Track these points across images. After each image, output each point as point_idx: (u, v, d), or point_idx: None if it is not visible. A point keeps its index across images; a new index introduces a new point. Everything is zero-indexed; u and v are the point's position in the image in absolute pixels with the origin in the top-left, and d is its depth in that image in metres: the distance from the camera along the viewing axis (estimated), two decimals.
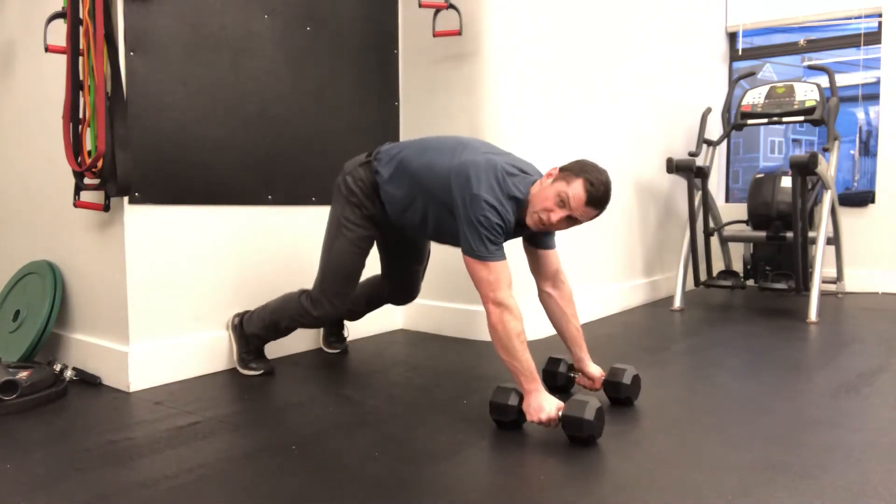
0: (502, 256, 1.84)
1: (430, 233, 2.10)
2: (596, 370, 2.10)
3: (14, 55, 2.62)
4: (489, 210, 1.79)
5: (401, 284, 2.49)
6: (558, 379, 2.16)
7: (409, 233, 2.17)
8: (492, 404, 1.83)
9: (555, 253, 2.10)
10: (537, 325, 2.80)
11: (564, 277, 2.12)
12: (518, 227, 1.92)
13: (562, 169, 1.86)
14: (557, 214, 1.81)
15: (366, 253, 2.23)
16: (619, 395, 2.02)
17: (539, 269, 2.10)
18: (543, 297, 2.12)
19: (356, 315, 2.65)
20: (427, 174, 1.97)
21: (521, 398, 1.81)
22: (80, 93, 2.12)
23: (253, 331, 2.38)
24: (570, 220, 1.84)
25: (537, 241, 2.07)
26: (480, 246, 1.80)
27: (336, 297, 2.22)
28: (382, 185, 2.09)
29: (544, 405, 1.75)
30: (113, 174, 2.08)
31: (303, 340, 2.73)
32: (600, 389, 2.08)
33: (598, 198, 1.81)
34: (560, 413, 1.73)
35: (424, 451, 1.69)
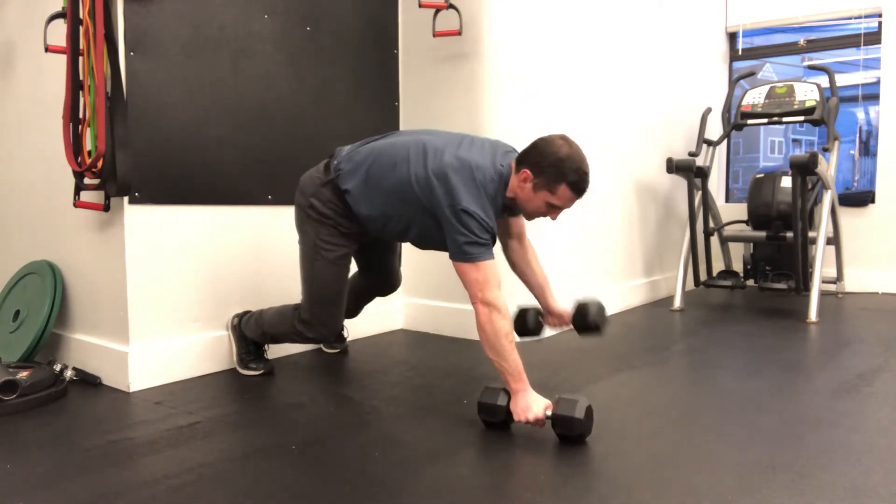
0: (490, 255, 1.85)
1: (413, 241, 2.11)
2: (563, 308, 2.17)
3: (14, 55, 2.62)
4: (477, 219, 1.82)
5: (380, 277, 2.49)
6: (529, 323, 2.20)
7: (393, 239, 2.18)
8: (480, 404, 1.83)
9: (521, 218, 2.14)
10: None
11: (528, 239, 2.19)
12: (500, 212, 1.98)
13: (534, 171, 1.84)
14: (553, 214, 1.94)
15: (348, 269, 2.20)
16: (588, 325, 2.07)
17: (507, 230, 2.16)
18: (507, 252, 2.19)
19: (352, 313, 2.65)
20: (404, 188, 1.93)
21: (510, 398, 1.81)
22: (80, 93, 2.12)
23: (251, 336, 2.37)
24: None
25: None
26: (470, 248, 1.82)
27: (328, 319, 2.19)
28: (355, 205, 2.04)
29: (532, 405, 1.76)
30: (113, 174, 2.08)
31: None
32: (569, 326, 2.14)
33: (582, 188, 1.88)
34: (548, 412, 1.74)
35: (424, 451, 1.69)
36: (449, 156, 1.88)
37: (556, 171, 1.82)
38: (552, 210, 1.91)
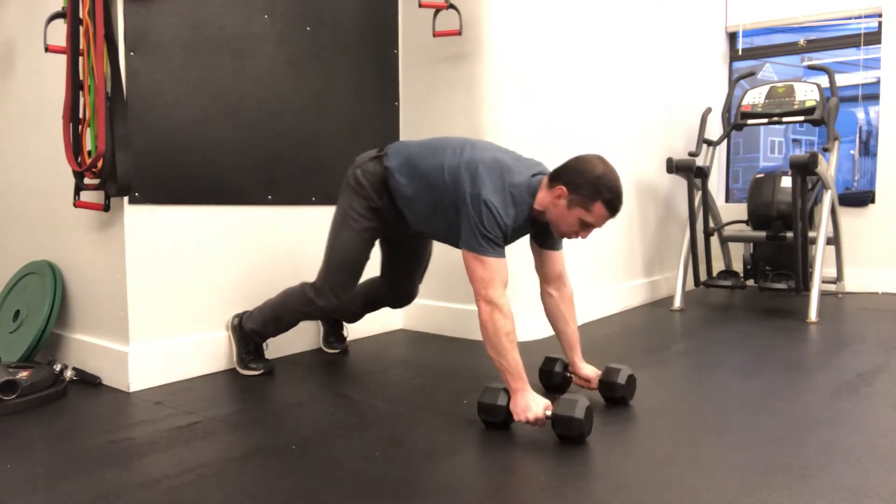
0: (501, 254, 1.86)
1: (436, 229, 2.11)
2: (590, 371, 2.12)
3: (14, 55, 2.62)
4: (493, 210, 1.83)
5: (398, 287, 2.49)
6: (554, 378, 2.17)
7: (416, 228, 2.19)
8: (480, 405, 1.83)
9: (560, 254, 2.13)
10: (534, 327, 2.81)
11: (567, 280, 2.15)
12: (526, 222, 1.97)
13: (569, 188, 1.86)
14: (585, 233, 1.94)
15: (370, 245, 2.25)
16: (615, 394, 2.03)
17: (543, 270, 2.12)
18: (545, 298, 2.14)
19: (354, 316, 2.65)
20: (436, 175, 1.99)
21: (510, 398, 1.81)
22: (80, 93, 2.12)
23: (253, 327, 2.37)
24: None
25: (545, 241, 2.09)
26: (481, 240, 1.84)
27: (339, 288, 2.24)
28: (392, 182, 2.11)
29: (531, 405, 1.76)
30: (113, 174, 2.08)
31: (303, 340, 2.73)
32: (596, 389, 2.08)
33: (617, 207, 1.89)
34: (548, 412, 1.73)
35: (424, 451, 1.69)
36: (483, 153, 1.94)
37: (592, 189, 1.84)
38: (585, 228, 1.91)
